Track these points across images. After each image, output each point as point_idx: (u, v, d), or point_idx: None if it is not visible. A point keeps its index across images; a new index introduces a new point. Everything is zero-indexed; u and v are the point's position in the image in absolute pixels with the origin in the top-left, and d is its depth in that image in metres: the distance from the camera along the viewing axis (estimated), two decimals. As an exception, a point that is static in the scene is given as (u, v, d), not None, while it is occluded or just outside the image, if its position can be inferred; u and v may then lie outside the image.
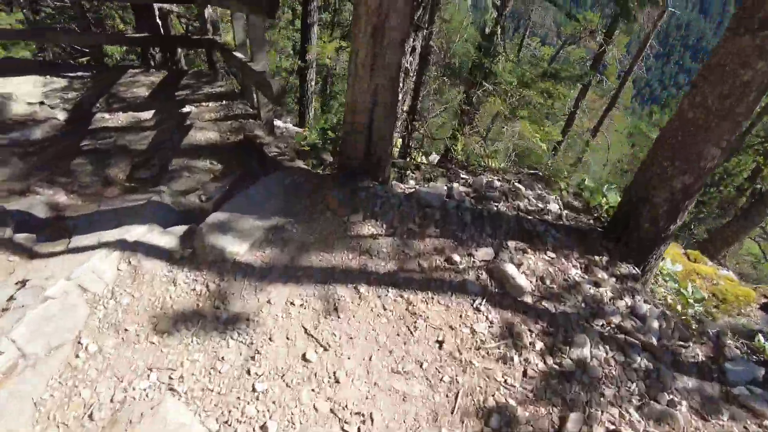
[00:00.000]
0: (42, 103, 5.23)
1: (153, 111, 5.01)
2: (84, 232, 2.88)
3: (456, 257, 2.70)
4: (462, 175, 3.63)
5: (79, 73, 6.60)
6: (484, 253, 2.74)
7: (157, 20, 6.29)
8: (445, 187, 3.19)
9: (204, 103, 5.17)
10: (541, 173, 3.88)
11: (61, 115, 5.03)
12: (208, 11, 6.02)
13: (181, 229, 2.76)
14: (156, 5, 6.16)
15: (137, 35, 6.29)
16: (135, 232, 2.81)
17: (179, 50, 6.66)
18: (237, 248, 2.60)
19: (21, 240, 2.82)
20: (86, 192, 3.60)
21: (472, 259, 2.73)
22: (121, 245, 2.71)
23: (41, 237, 2.97)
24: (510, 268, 2.58)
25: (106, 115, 4.98)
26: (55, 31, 6.54)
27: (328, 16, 12.71)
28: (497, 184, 3.46)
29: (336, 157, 3.35)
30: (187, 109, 5.02)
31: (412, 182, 3.31)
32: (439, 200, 3.02)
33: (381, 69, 2.51)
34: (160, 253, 2.68)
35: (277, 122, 5.35)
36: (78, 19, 6.93)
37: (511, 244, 2.82)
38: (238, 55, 4.44)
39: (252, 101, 5.02)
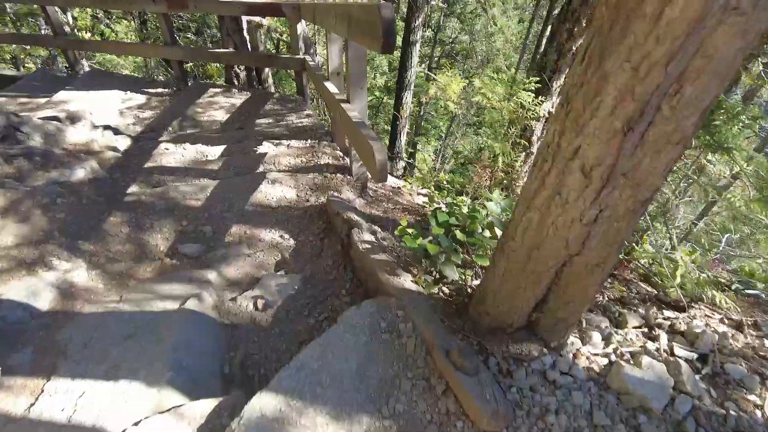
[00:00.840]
0: (107, 127, 4.48)
1: (223, 147, 4.04)
2: (68, 373, 1.83)
3: None
4: (666, 314, 2.15)
5: (159, 90, 5.92)
6: None
7: (245, 34, 5.42)
8: (660, 362, 1.74)
9: (285, 141, 4.13)
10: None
11: (123, 143, 4.22)
12: (301, 26, 5.03)
13: (202, 411, 1.57)
14: (245, 18, 5.29)
15: (220, 50, 5.47)
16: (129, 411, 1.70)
17: (267, 69, 5.77)
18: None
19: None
20: (113, 269, 2.62)
21: None
22: None
23: (18, 357, 1.97)
24: None
25: (171, 147, 4.09)
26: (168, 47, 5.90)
27: (431, 32, 11.66)
28: (732, 342, 1.95)
29: (466, 284, 2.05)
30: (263, 148, 4.00)
31: (587, 348, 1.87)
32: (661, 395, 1.61)
33: (622, 189, 1.17)
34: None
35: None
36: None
37: None
38: (331, 88, 3.31)
39: (342, 143, 3.90)
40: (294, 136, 4.37)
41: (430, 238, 2.00)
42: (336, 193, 3.14)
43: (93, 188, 3.23)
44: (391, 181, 4.28)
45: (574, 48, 3.40)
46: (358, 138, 2.38)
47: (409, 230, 2.16)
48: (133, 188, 3.33)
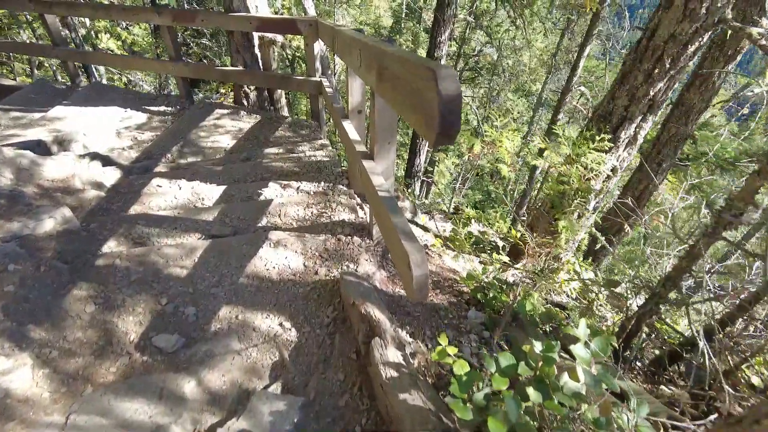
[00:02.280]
0: (95, 156, 3.95)
1: (223, 189, 3.48)
2: None
3: None
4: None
5: (162, 108, 5.40)
6: None
7: (256, 51, 4.87)
8: None
9: (294, 183, 3.55)
10: None
11: (111, 177, 3.69)
12: (319, 46, 4.46)
13: None
14: (256, 34, 4.74)
15: (228, 68, 4.93)
16: None
17: (279, 91, 5.22)
18: None
19: None
20: (67, 366, 2.06)
21: None
22: None
23: None
24: None
25: (164, 183, 3.54)
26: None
27: (455, 45, 11.04)
28: None
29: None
30: (269, 191, 3.42)
31: None
32: None
33: None
34: None
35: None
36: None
37: None
38: (351, 132, 2.73)
39: (360, 189, 3.31)
40: (305, 174, 3.79)
41: (487, 392, 1.38)
42: (352, 266, 2.54)
43: (60, 245, 2.68)
44: (417, 233, 3.67)
45: (651, 93, 2.75)
46: (386, 226, 1.78)
47: (451, 359, 1.55)
48: (109, 244, 2.77)
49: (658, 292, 2.02)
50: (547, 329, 2.44)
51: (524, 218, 5.12)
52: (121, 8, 4.87)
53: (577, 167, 2.64)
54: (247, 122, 5.07)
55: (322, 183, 3.54)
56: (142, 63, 5.50)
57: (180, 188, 3.62)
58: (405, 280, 1.55)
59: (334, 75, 9.42)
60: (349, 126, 2.92)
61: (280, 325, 2.27)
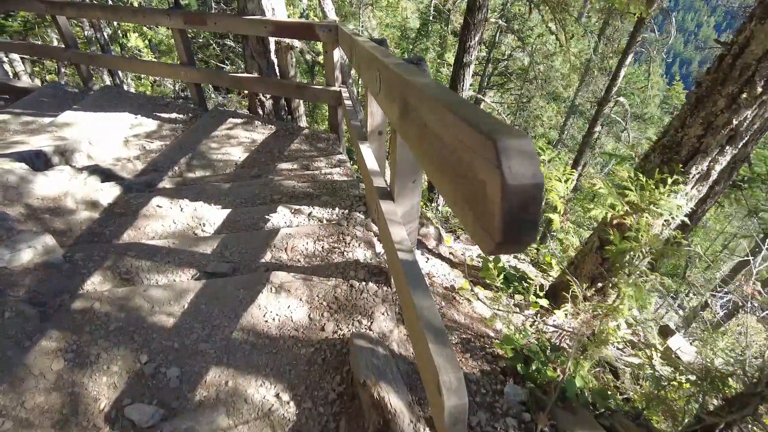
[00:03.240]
0: (95, 171, 3.66)
1: (227, 213, 3.12)
2: None
3: None
4: None
5: (174, 115, 5.11)
6: None
7: (272, 57, 4.52)
8: None
9: (306, 208, 3.17)
10: None
11: (108, 195, 3.37)
12: (339, 53, 4.08)
13: None
14: (272, 38, 4.39)
15: (242, 75, 4.59)
16: None
17: (297, 100, 4.86)
18: None
19: None
20: (20, 443, 1.71)
21: None
22: None
23: None
24: None
25: (165, 204, 3.22)
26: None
27: (485, 49, 10.54)
28: None
29: None
30: (277, 217, 3.06)
31: None
32: None
33: None
34: None
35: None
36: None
37: None
38: (369, 159, 2.34)
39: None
40: (319, 196, 3.41)
41: None
42: (365, 322, 2.14)
43: (36, 282, 2.35)
44: (442, 270, 3.26)
45: (734, 122, 2.25)
46: (407, 304, 1.37)
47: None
48: (92, 281, 2.44)
49: (760, 392, 1.55)
50: (602, 410, 1.99)
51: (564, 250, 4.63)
52: (130, 10, 4.59)
53: (646, 218, 2.17)
54: (261, 133, 4.73)
55: (337, 209, 3.15)
56: (153, 67, 5.22)
57: (181, 210, 3.29)
58: (434, 409, 1.14)
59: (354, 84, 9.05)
60: (367, 151, 2.52)
61: (277, 396, 1.89)
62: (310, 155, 4.44)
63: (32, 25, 9.24)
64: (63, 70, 12.99)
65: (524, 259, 5.04)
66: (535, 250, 5.46)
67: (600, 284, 3.07)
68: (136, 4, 11.23)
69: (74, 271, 2.50)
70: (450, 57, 11.85)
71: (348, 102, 3.75)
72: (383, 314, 2.18)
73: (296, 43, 4.52)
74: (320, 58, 6.43)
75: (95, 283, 2.44)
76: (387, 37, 13.16)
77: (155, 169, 4.25)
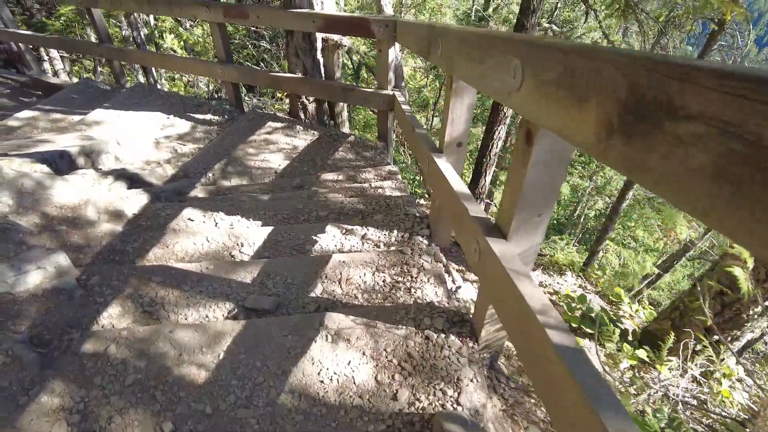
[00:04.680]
0: (121, 176, 3.28)
1: (269, 231, 2.67)
2: None
3: None
4: None
5: (208, 117, 4.73)
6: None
7: (318, 56, 4.10)
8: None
9: (359, 229, 2.70)
10: None
11: (134, 203, 2.98)
12: (394, 52, 3.62)
13: None
14: (319, 35, 3.97)
15: (285, 75, 4.18)
16: None
17: (342, 104, 4.44)
18: None
19: None
20: None
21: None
22: None
23: None
24: None
25: (197, 217, 2.80)
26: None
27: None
28: None
29: None
30: (326, 238, 2.59)
31: None
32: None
33: None
34: None
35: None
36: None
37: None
38: (452, 178, 1.87)
39: (446, 240, 2.43)
40: (371, 214, 2.94)
41: None
42: (450, 392, 1.64)
43: (42, 313, 1.94)
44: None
45: None
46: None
47: None
48: (108, 313, 2.01)
49: None
50: None
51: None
52: (166, 1, 4.24)
53: None
54: (302, 139, 4.30)
55: (395, 231, 2.67)
56: (188, 64, 4.87)
57: (216, 225, 2.86)
58: None
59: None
60: (446, 167, 2.03)
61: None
62: (357, 165, 3.99)
63: (72, 24, 9.15)
64: (99, 69, 12.98)
65: (590, 289, 4.46)
66: (599, 275, 4.87)
67: (716, 337, 2.50)
68: None
69: (89, 299, 2.08)
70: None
71: (406, 108, 3.27)
72: (472, 381, 1.67)
73: (345, 41, 4.09)
74: (366, 59, 5.98)
75: (112, 316, 2.01)
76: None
77: (186, 174, 3.86)
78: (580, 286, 4.40)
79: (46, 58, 10.98)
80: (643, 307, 4.19)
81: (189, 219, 2.89)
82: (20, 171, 2.70)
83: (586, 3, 7.45)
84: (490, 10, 13.68)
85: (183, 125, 4.75)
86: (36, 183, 2.69)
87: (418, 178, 9.46)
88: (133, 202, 3.04)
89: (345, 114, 4.86)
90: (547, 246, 14.97)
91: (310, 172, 3.90)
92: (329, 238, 2.63)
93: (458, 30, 1.68)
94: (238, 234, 2.66)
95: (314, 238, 2.63)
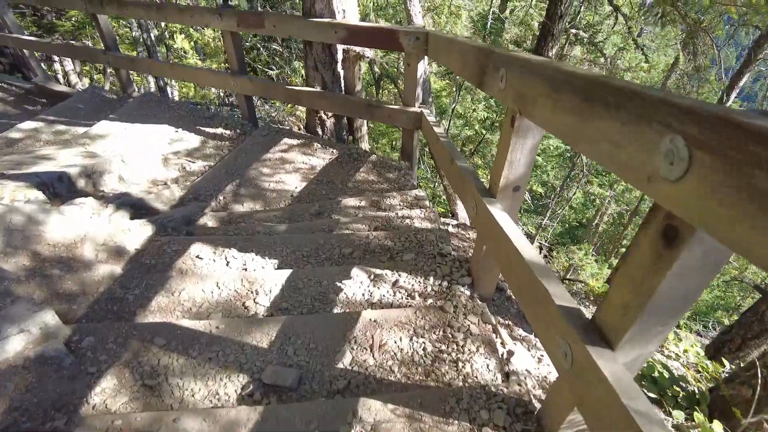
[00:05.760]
0: (123, 203, 2.98)
1: (287, 276, 2.35)
2: None
3: None
4: None
5: (219, 131, 4.43)
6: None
7: (339, 69, 3.77)
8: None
9: (389, 274, 2.36)
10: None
11: (136, 237, 2.68)
12: (423, 66, 3.29)
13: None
14: (341, 46, 3.64)
15: (303, 89, 3.87)
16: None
17: (362, 120, 4.11)
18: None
19: None
20: None
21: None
22: None
23: None
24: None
25: (206, 254, 2.50)
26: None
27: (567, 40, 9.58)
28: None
29: None
30: (351, 286, 2.27)
31: None
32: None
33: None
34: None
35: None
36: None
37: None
38: (517, 240, 1.52)
39: (485, 288, 2.10)
40: (401, 253, 2.61)
41: None
42: None
43: (21, 391, 1.63)
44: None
45: None
46: None
47: None
48: (102, 387, 1.70)
49: None
50: None
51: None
52: (176, 8, 3.94)
53: None
54: (321, 158, 3.98)
55: (431, 279, 2.33)
56: (199, 75, 4.57)
57: (227, 264, 2.55)
58: None
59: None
60: (508, 223, 1.69)
61: None
62: (380, 188, 3.66)
63: (83, 26, 8.92)
64: (109, 70, 12.77)
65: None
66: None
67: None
68: (183, 3, 10.81)
69: (80, 368, 1.77)
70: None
71: (442, 136, 2.93)
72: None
73: (368, 52, 3.75)
74: (388, 71, 5.63)
75: (107, 392, 1.70)
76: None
77: (196, 197, 3.56)
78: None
79: (56, 58, 10.78)
80: (691, 346, 3.81)
81: (197, 257, 2.58)
82: (9, 205, 2.40)
83: (615, 8, 7.05)
84: (507, 12, 13.27)
85: (192, 140, 4.45)
86: (27, 218, 2.39)
87: (440, 195, 9.07)
88: (136, 234, 2.74)
89: (365, 128, 4.53)
90: (563, 253, 14.52)
91: (329, 196, 3.58)
92: (356, 285, 2.30)
93: (542, 64, 1.33)
94: (252, 279, 2.34)
95: (339, 285, 2.30)
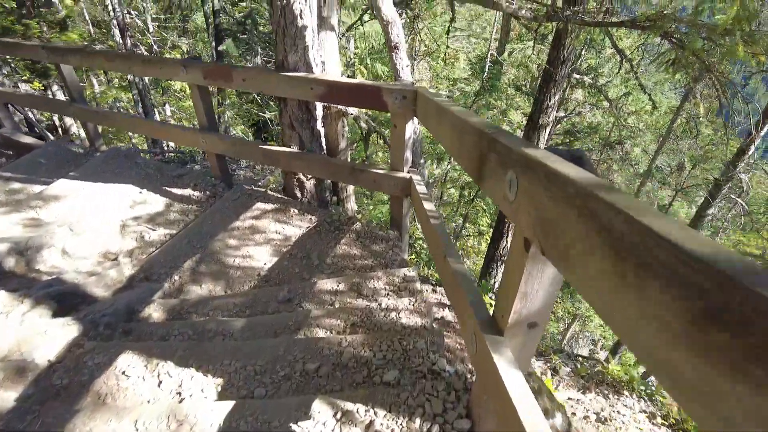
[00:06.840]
0: (48, 295, 2.45)
1: (228, 410, 1.78)
2: None
3: None
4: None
5: (188, 192, 3.94)
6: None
7: (319, 126, 3.32)
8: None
9: (362, 411, 1.80)
10: None
11: (53, 344, 2.15)
12: (412, 126, 2.82)
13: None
14: (319, 104, 3.20)
15: (279, 149, 3.41)
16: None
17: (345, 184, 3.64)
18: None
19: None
20: None
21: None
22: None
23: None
24: None
25: (134, 371, 1.97)
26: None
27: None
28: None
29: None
30: (311, 429, 1.69)
31: None
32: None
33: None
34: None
35: None
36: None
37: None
38: (520, 393, 0.92)
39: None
40: (381, 372, 2.05)
41: None
42: None
43: None
44: None
45: None
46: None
47: None
48: None
49: None
50: None
51: None
52: (141, 59, 3.55)
53: None
54: (297, 226, 3.47)
55: (417, 420, 1.76)
56: (167, 131, 4.14)
57: (159, 384, 1.99)
58: None
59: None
60: (519, 388, 1.14)
61: None
62: (363, 264, 3.13)
63: (80, 69, 8.66)
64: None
65: (663, 424, 3.46)
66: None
67: None
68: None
69: None
70: (516, 116, 10.58)
71: (430, 207, 2.43)
72: None
73: (351, 108, 3.30)
74: (378, 127, 5.22)
75: None
76: (440, 89, 12.06)
77: (148, 276, 3.04)
78: (649, 417, 3.42)
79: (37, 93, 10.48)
80: None
81: (124, 374, 2.03)
82: None
83: (620, 53, 6.71)
84: (506, 54, 13.13)
85: (157, 202, 3.96)
86: None
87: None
88: (53, 340, 2.19)
89: (351, 187, 4.05)
90: (570, 305, 13.77)
91: (303, 276, 3.05)
92: (317, 430, 1.73)
93: (587, 183, 0.82)
94: (183, 416, 1.78)
95: (294, 428, 1.73)
